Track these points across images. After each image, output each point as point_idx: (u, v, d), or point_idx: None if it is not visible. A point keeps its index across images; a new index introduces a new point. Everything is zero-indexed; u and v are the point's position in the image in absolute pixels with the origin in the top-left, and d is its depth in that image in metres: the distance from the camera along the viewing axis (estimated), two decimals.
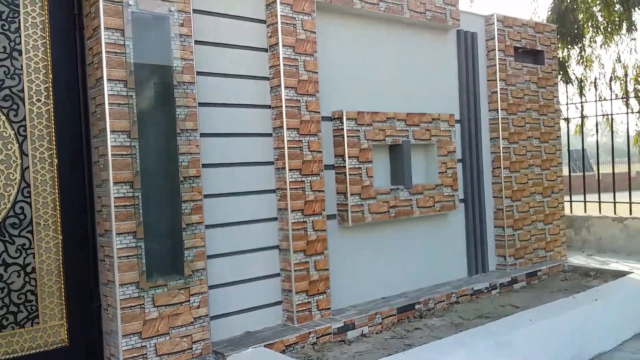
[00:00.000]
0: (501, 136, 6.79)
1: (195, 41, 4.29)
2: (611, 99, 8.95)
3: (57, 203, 3.95)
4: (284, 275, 4.88)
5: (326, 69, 5.21)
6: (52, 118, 3.93)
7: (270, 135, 4.90)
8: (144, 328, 3.88)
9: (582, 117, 9.11)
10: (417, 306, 5.46)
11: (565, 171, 8.49)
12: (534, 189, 7.21)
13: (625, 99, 9.44)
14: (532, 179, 7.19)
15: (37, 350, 3.87)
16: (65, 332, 3.99)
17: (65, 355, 3.99)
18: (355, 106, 5.45)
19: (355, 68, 5.51)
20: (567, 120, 9.06)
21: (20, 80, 3.82)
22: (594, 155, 9.52)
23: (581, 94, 9.37)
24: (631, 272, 6.69)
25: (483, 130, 6.80)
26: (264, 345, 4.31)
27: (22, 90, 3.83)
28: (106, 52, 3.77)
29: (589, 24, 10.46)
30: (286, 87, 4.79)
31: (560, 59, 10.30)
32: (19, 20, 3.83)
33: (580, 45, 10.74)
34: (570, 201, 9.20)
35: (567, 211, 8.97)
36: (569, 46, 10.71)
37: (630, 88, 10.50)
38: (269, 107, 4.90)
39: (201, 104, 4.40)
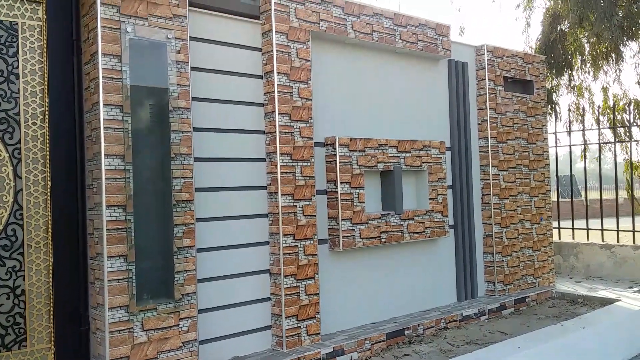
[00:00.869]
0: (491, 163, 6.89)
1: (191, 67, 4.36)
2: (598, 128, 9.11)
3: (49, 225, 3.96)
4: (274, 299, 4.89)
5: (320, 95, 5.29)
6: (47, 141, 3.96)
7: (263, 160, 4.96)
8: (132, 352, 3.87)
9: (570, 145, 9.25)
10: (406, 332, 5.47)
11: (554, 197, 8.59)
12: (522, 216, 7.29)
13: (612, 128, 9.60)
14: (521, 206, 7.27)
15: None
16: (53, 356, 3.97)
17: None
18: (348, 132, 5.52)
19: (348, 95, 5.60)
20: (556, 147, 9.19)
21: (17, 103, 3.86)
22: (582, 181, 9.63)
23: (569, 123, 9.52)
24: (619, 300, 6.75)
25: (473, 158, 6.90)
26: None
27: (18, 114, 3.87)
28: (103, 77, 3.83)
29: (577, 54, 10.67)
30: (280, 114, 4.86)
31: (549, 89, 10.47)
32: (17, 44, 3.89)
33: (568, 74, 10.94)
34: (559, 228, 9.29)
35: (555, 238, 9.06)
36: (558, 76, 10.90)
37: (618, 117, 10.68)
38: (263, 132, 4.97)
39: (196, 129, 4.45)
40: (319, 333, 5.02)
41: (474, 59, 7.01)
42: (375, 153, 5.59)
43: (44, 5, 3.99)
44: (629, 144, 9.70)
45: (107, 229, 3.80)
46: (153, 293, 4.02)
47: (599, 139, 9.31)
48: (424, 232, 6.01)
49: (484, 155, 6.94)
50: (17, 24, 3.90)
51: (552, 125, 9.31)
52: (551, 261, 7.74)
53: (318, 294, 5.03)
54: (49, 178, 3.97)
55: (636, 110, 9.98)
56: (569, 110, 9.72)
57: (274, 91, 4.86)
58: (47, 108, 3.97)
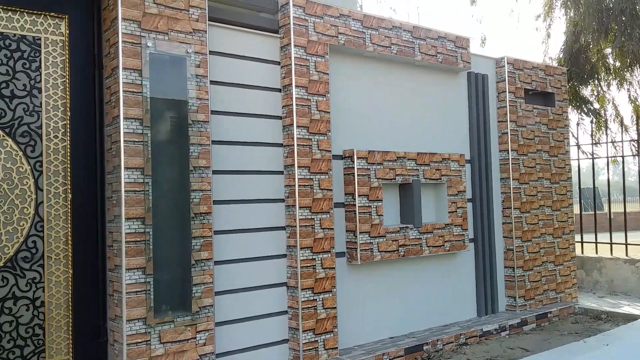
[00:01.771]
0: (512, 176, 6.80)
1: (210, 81, 4.40)
2: (622, 141, 8.95)
3: (69, 237, 4.01)
4: (291, 313, 4.87)
5: (338, 108, 5.29)
6: (69, 154, 4.02)
7: (281, 173, 4.96)
8: None
9: (593, 157, 9.10)
10: (425, 347, 5.40)
11: (576, 210, 8.44)
12: (544, 230, 7.17)
13: (638, 141, 9.42)
14: (543, 220, 7.16)
15: None
16: None
17: None
18: (366, 145, 5.50)
19: (367, 108, 5.58)
20: (578, 160, 9.05)
21: (39, 117, 3.93)
22: (606, 193, 9.45)
23: (592, 134, 9.38)
24: None
25: (493, 171, 6.82)
26: None
27: (40, 127, 3.93)
28: (124, 91, 3.87)
29: (601, 65, 10.53)
30: (298, 126, 4.87)
31: (577, 100, 10.34)
32: (40, 59, 3.96)
33: (592, 85, 10.80)
34: (582, 242, 9.12)
35: (578, 252, 8.88)
36: (581, 86, 10.76)
37: None
38: (281, 145, 4.97)
39: (214, 142, 4.48)
40: (337, 347, 4.98)
41: (494, 71, 6.95)
42: (394, 166, 5.56)
43: (66, 20, 4.06)
44: None
45: (125, 242, 3.83)
46: (171, 305, 4.03)
47: (622, 151, 9.14)
48: (443, 245, 5.94)
49: (505, 168, 6.86)
50: (40, 39, 3.97)
51: (578, 136, 9.17)
52: (574, 276, 7.59)
53: (335, 307, 4.99)
54: (69, 190, 4.02)
55: None
56: (592, 122, 9.58)
57: (292, 104, 4.87)
58: (68, 122, 4.03)
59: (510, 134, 6.82)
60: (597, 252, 8.99)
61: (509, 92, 6.85)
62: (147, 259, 3.89)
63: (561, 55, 10.54)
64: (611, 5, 9.34)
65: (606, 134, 9.32)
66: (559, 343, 5.69)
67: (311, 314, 4.83)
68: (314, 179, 4.94)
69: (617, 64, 10.26)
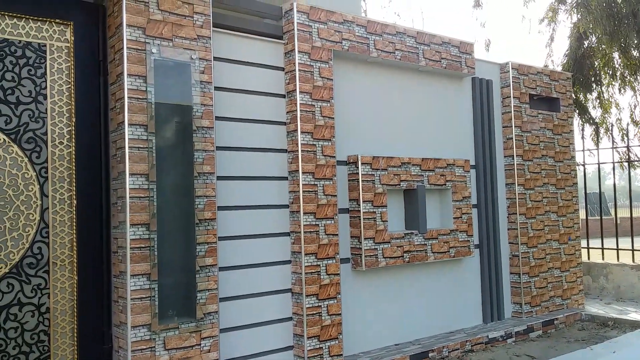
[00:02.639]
0: (517, 182, 6.78)
1: (215, 87, 4.40)
2: (627, 146, 8.91)
3: (75, 244, 4.01)
4: (295, 319, 4.85)
5: (342, 114, 5.29)
6: (74, 160, 4.03)
7: (285, 178, 4.95)
8: None
9: (599, 163, 9.06)
10: (430, 354, 5.37)
11: (582, 215, 8.39)
12: (550, 236, 7.13)
13: None
14: (549, 226, 7.13)
15: None
16: None
17: None
18: (371, 151, 5.50)
19: (371, 113, 5.58)
20: (584, 165, 9.01)
21: (44, 123, 3.94)
22: (612, 198, 9.40)
23: (597, 139, 9.35)
24: None
25: (498, 176, 6.80)
26: None
27: (46, 133, 3.94)
28: (128, 97, 3.88)
29: (606, 69, 10.51)
30: (302, 132, 4.86)
31: (582, 102, 10.32)
32: (46, 65, 3.98)
33: (597, 90, 10.77)
34: (588, 248, 9.07)
35: (584, 258, 8.83)
36: (586, 91, 10.74)
37: None
38: (286, 151, 4.97)
39: (219, 148, 4.48)
40: (341, 354, 4.95)
41: (498, 77, 6.94)
42: (398, 171, 5.55)
43: (71, 27, 4.08)
44: None
45: (130, 248, 3.83)
46: (175, 312, 4.02)
47: (629, 156, 9.10)
48: (449, 251, 5.91)
49: (510, 174, 6.84)
50: (45, 45, 3.99)
51: (580, 142, 9.15)
52: (580, 282, 7.54)
53: (340, 314, 4.97)
54: (74, 197, 4.03)
55: None
56: (597, 126, 9.54)
57: (296, 110, 4.87)
58: (73, 128, 4.04)
59: (515, 140, 6.80)
60: (603, 258, 8.94)
61: (513, 97, 6.84)
62: (152, 265, 3.89)
63: (565, 60, 10.52)
64: (619, 11, 9.33)
65: (612, 140, 9.27)
66: (565, 350, 5.65)
67: (316, 321, 4.81)
68: (319, 185, 4.93)
69: (624, 69, 10.23)
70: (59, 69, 4.03)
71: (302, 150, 4.85)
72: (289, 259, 4.91)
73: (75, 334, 3.99)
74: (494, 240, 6.64)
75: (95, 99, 4.15)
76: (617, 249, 8.74)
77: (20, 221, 3.81)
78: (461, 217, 6.07)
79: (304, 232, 4.81)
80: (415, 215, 5.70)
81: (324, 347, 4.84)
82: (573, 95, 8.79)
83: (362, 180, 5.25)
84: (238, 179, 4.65)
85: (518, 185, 6.79)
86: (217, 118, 4.48)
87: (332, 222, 4.99)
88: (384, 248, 5.35)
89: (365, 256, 5.21)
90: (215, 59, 4.48)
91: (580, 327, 6.75)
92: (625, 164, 9.20)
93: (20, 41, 3.89)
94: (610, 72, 10.53)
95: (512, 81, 6.84)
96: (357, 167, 5.26)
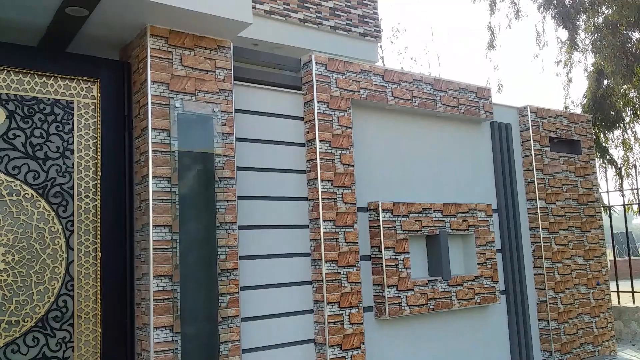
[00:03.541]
0: (541, 226, 6.68)
1: (236, 138, 4.49)
2: None
3: (99, 296, 4.03)
4: None
5: (362, 160, 5.32)
6: (99, 213, 4.09)
7: (307, 226, 4.96)
8: None
9: (625, 205, 8.91)
10: None
11: (610, 256, 8.20)
12: (578, 280, 6.96)
13: None
14: (576, 270, 6.97)
15: None
16: None
17: None
18: (391, 197, 5.50)
19: (391, 159, 5.61)
20: (609, 207, 8.87)
21: (71, 177, 4.04)
22: None
23: (622, 180, 9.23)
24: None
25: (522, 220, 6.72)
26: None
27: (72, 187, 4.03)
28: (152, 150, 3.97)
29: (627, 109, 10.47)
30: (322, 180, 4.90)
31: (602, 143, 10.26)
32: (73, 121, 4.10)
33: (619, 129, 10.71)
34: (617, 291, 8.81)
35: (614, 302, 8.57)
36: (607, 131, 10.69)
37: None
38: (306, 199, 5.00)
39: (240, 197, 4.52)
40: None
41: (517, 120, 6.96)
42: (420, 217, 5.52)
43: (98, 84, 4.23)
44: None
45: (154, 299, 3.83)
46: None
47: None
48: (474, 298, 5.80)
49: (533, 218, 6.75)
50: (73, 102, 4.13)
51: (605, 182, 9.03)
52: (611, 328, 7.30)
53: None
54: (99, 249, 4.07)
55: None
56: (620, 166, 9.44)
57: (316, 158, 4.92)
58: (99, 181, 4.13)
59: (537, 183, 6.75)
60: (634, 302, 8.67)
61: (533, 140, 6.83)
62: (175, 317, 3.88)
63: (584, 101, 10.53)
64: (634, 51, 9.38)
65: (636, 179, 9.14)
66: None
67: None
68: (340, 232, 4.92)
69: None
70: (86, 124, 4.15)
71: (322, 198, 4.87)
72: (311, 308, 4.86)
73: None
74: (520, 285, 6.50)
75: (120, 153, 4.25)
76: None
77: (46, 275, 3.86)
78: (485, 263, 5.98)
79: (326, 280, 4.77)
80: (439, 261, 5.63)
81: None
82: (594, 136, 8.75)
83: (384, 227, 5.23)
84: (260, 228, 4.67)
85: (542, 229, 6.69)
86: (239, 168, 4.54)
87: (354, 269, 4.95)
88: (408, 296, 5.27)
89: (388, 304, 5.13)
90: (237, 110, 4.58)
91: None
92: None
93: (49, 99, 4.04)
94: (632, 111, 10.50)
95: (532, 125, 6.85)
96: (378, 214, 5.25)
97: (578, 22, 11.31)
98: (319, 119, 4.96)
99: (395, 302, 5.18)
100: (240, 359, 4.15)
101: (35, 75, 4.00)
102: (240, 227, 4.47)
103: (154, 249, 3.88)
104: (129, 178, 4.25)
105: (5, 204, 3.77)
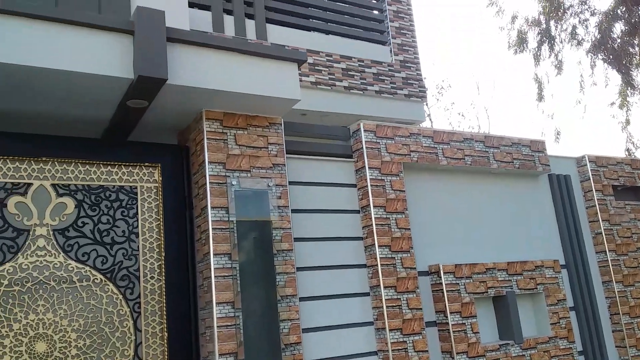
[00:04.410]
0: (614, 279, 6.33)
1: (292, 210, 4.55)
2: None
3: None
4: None
5: (418, 223, 5.27)
6: (164, 294, 4.18)
7: (367, 294, 4.89)
8: None
9: None
10: None
11: None
12: None
13: None
14: None
15: None
16: None
17: None
18: (452, 258, 5.37)
19: (448, 219, 5.52)
20: None
21: (137, 260, 4.17)
22: None
23: None
24: None
25: (593, 274, 6.39)
26: None
27: (138, 270, 4.16)
28: (213, 229, 4.08)
29: None
30: (380, 246, 4.86)
31: None
32: (137, 206, 4.28)
33: None
34: None
35: None
36: None
37: None
38: (365, 266, 4.95)
39: (299, 268, 4.53)
40: None
41: (576, 171, 6.76)
42: (484, 278, 5.35)
43: (159, 168, 4.43)
44: None
45: None
46: None
47: None
48: None
49: (605, 271, 6.41)
50: (136, 187, 4.33)
51: None
52: None
53: None
54: (165, 330, 4.13)
55: None
56: None
57: (371, 224, 4.91)
58: (163, 262, 4.24)
59: (605, 234, 6.45)
60: None
61: (595, 190, 6.59)
62: None
63: None
64: None
65: None
66: None
67: None
68: (402, 299, 4.82)
69: None
70: (149, 207, 4.33)
71: (381, 264, 4.81)
72: None
73: None
74: (599, 345, 6.10)
75: (182, 233, 4.38)
76: None
77: (116, 358, 3.93)
78: (559, 322, 5.67)
79: (392, 350, 4.63)
80: (509, 323, 5.38)
81: None
82: None
83: (447, 290, 5.09)
84: (320, 299, 4.63)
85: (616, 282, 6.33)
86: (296, 239, 4.58)
87: (420, 337, 4.80)
88: None
89: None
90: (291, 182, 4.67)
91: None
92: None
93: (114, 186, 4.25)
94: None
95: (592, 174, 6.63)
96: (440, 277, 5.12)
97: (630, 65, 11.10)
98: (371, 185, 4.99)
99: None
100: None
101: (101, 165, 4.24)
102: (301, 299, 4.45)
103: (217, 326, 3.91)
104: (192, 257, 4.36)
105: (76, 290, 3.92)
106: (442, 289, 5.09)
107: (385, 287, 4.77)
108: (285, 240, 4.37)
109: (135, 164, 4.37)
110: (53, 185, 4.03)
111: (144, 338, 4.05)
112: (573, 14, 12.82)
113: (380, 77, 7.73)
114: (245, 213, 4.24)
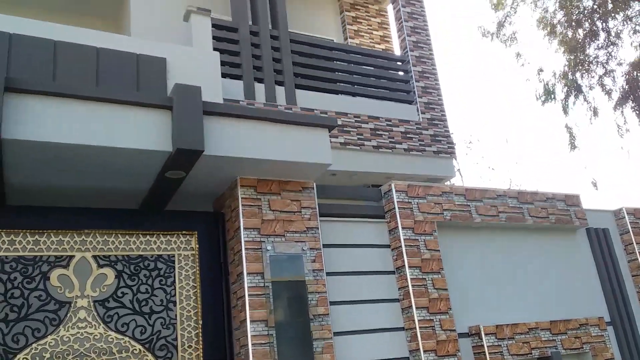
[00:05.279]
0: None
1: (327, 273, 4.54)
2: None
3: None
4: None
5: (456, 282, 5.18)
6: None
7: (407, 358, 4.77)
8: None
9: None
10: None
11: None
12: None
13: None
14: None
15: None
16: None
17: None
18: (492, 319, 5.23)
19: (485, 278, 5.42)
20: None
21: (174, 329, 4.18)
22: None
23: None
24: None
25: None
26: None
27: (176, 339, 4.16)
28: (249, 295, 4.09)
29: None
30: (417, 308, 4.78)
31: None
32: (174, 274, 4.34)
33: None
34: None
35: None
36: None
37: None
38: (403, 329, 4.86)
39: (336, 334, 4.47)
40: None
41: (614, 224, 6.61)
42: (527, 339, 5.18)
43: (196, 236, 4.50)
44: None
45: None
46: None
47: None
48: None
49: None
50: (174, 255, 4.40)
51: None
52: None
53: None
54: None
55: None
56: None
57: (407, 285, 4.85)
58: (200, 331, 4.24)
59: None
60: None
61: (636, 243, 6.41)
62: None
63: None
64: None
65: None
66: None
67: None
68: None
69: None
70: (186, 275, 4.38)
71: (420, 327, 4.72)
72: None
73: None
74: None
75: (218, 300, 4.40)
76: None
77: None
78: None
79: None
80: None
81: None
82: None
83: (489, 353, 4.93)
84: None
85: None
86: (332, 303, 4.54)
87: None
88: None
89: None
90: (325, 245, 4.68)
91: None
92: None
93: (152, 255, 4.32)
94: None
95: (631, 227, 6.47)
96: (481, 339, 4.98)
97: None
98: (405, 245, 4.96)
99: None
100: None
101: (140, 235, 4.34)
102: None
103: None
104: (228, 324, 4.35)
105: None
106: (484, 351, 4.94)
107: (425, 351, 4.66)
108: (321, 304, 4.34)
109: (172, 232, 4.46)
110: (94, 256, 4.13)
111: None
112: (599, 64, 12.85)
113: (408, 135, 7.80)
114: (281, 277, 4.25)
